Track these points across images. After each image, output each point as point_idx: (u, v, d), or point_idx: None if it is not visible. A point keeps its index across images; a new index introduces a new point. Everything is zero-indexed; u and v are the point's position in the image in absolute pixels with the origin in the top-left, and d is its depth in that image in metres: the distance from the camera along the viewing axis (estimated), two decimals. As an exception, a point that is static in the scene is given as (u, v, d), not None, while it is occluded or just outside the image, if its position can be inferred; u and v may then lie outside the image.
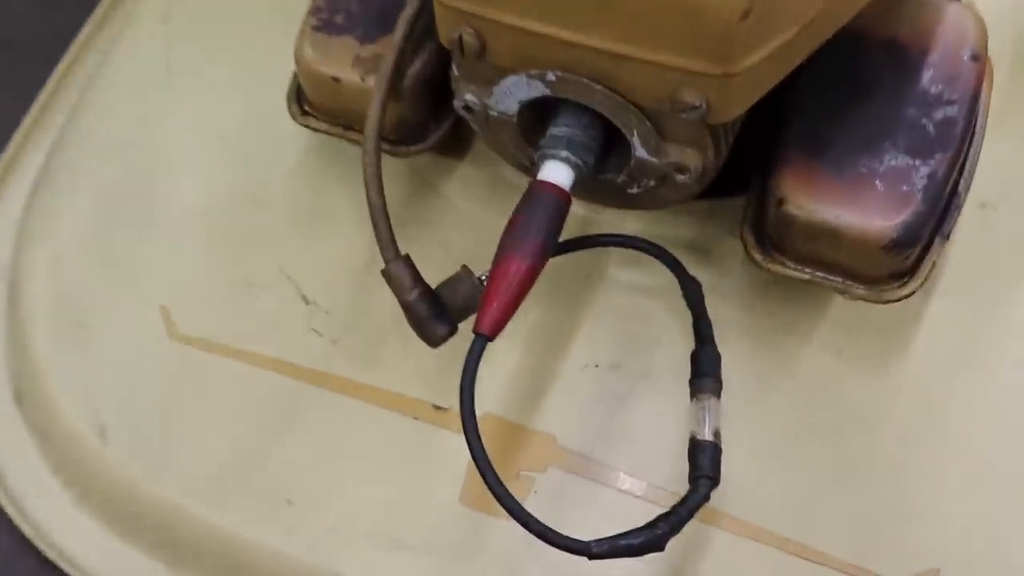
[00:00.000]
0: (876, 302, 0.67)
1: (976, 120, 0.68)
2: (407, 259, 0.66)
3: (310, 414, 0.75)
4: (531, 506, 0.59)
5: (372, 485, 0.73)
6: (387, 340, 0.75)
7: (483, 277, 0.64)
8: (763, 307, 0.74)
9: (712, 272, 0.73)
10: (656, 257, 0.70)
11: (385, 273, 0.66)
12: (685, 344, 0.70)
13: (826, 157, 0.65)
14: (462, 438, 0.59)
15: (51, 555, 0.77)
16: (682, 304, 0.71)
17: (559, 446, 0.72)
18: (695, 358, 0.68)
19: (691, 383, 0.67)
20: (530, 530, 0.59)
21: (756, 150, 0.68)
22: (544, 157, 0.63)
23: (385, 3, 0.73)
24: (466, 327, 0.62)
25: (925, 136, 0.65)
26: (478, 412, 0.59)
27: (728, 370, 0.68)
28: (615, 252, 0.75)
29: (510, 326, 0.61)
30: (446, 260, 0.67)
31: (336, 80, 0.72)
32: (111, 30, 0.93)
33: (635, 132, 0.63)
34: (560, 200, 0.62)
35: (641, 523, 0.61)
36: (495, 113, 0.66)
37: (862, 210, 0.64)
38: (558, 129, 0.64)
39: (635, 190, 0.68)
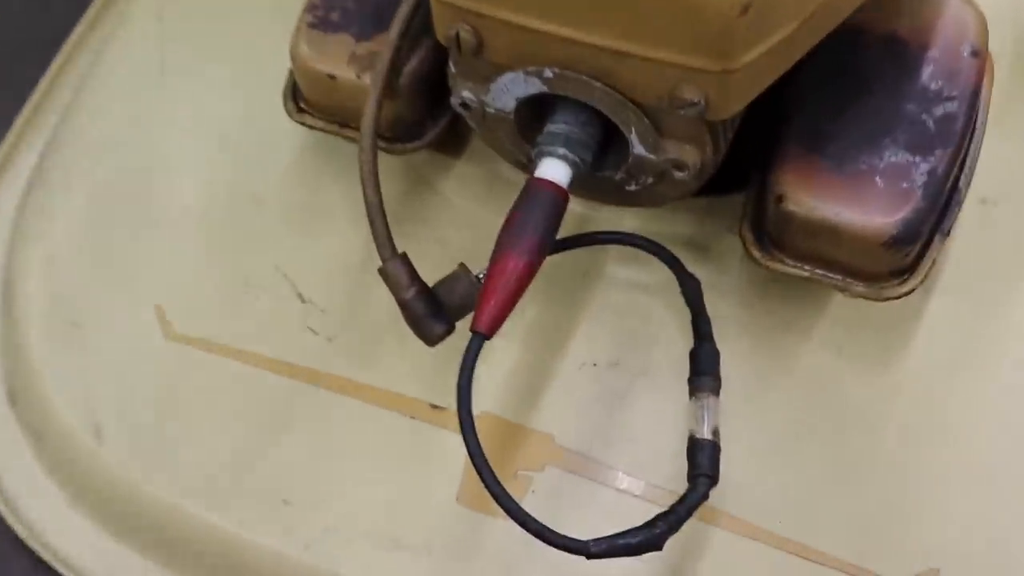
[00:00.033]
0: (876, 299, 0.67)
1: (976, 116, 0.68)
2: (404, 257, 0.65)
3: (306, 413, 0.75)
4: (529, 505, 0.59)
5: (369, 485, 0.73)
6: (384, 339, 0.75)
7: (480, 275, 0.63)
8: (762, 305, 0.74)
9: (711, 269, 0.73)
10: (654, 254, 0.70)
11: (382, 271, 0.65)
12: (684, 342, 0.69)
13: (826, 153, 0.65)
14: (460, 437, 0.58)
15: (45, 556, 0.77)
16: (681, 302, 0.70)
17: (557, 445, 0.72)
18: (694, 356, 0.68)
19: (690, 381, 0.67)
20: (528, 530, 0.59)
21: (755, 147, 0.68)
22: (541, 154, 0.63)
23: (381, 0, 0.72)
24: (463, 325, 0.62)
25: (925, 132, 0.65)
26: (476, 411, 0.59)
27: (727, 368, 0.67)
28: (613, 250, 0.75)
29: (508, 324, 0.60)
30: (443, 258, 0.67)
31: (332, 77, 0.72)
32: (104, 29, 0.93)
33: (633, 129, 0.63)
34: (557, 197, 0.62)
35: (640, 522, 0.61)
36: (492, 110, 0.66)
37: (862, 207, 0.64)
38: (555, 126, 0.64)
39: (633, 187, 0.68)
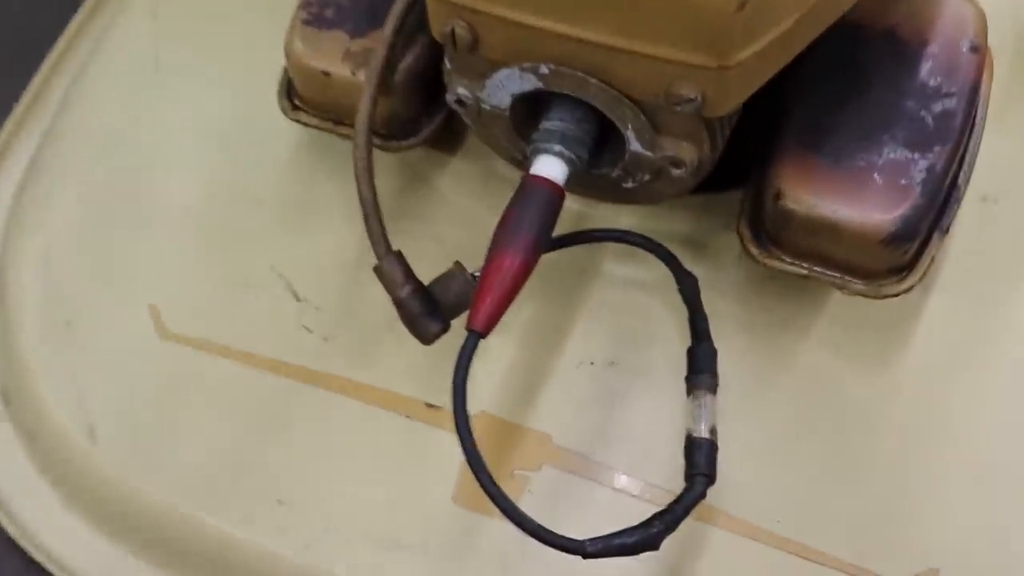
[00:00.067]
0: (874, 297, 0.67)
1: (976, 113, 0.68)
2: (399, 255, 0.65)
3: (301, 413, 0.74)
4: (526, 505, 0.59)
5: (365, 485, 0.73)
6: (379, 337, 0.74)
7: (476, 273, 0.63)
8: (760, 302, 0.73)
9: (708, 267, 0.73)
10: (651, 252, 0.70)
11: (377, 269, 0.65)
12: (681, 340, 0.69)
13: (824, 150, 0.65)
14: (456, 437, 0.58)
15: (38, 556, 0.76)
16: (678, 300, 0.70)
17: (554, 444, 0.71)
18: (691, 354, 0.68)
19: (687, 379, 0.67)
20: (524, 529, 0.59)
21: (753, 143, 0.68)
22: (537, 151, 0.63)
23: (375, -4, 0.73)
24: (459, 324, 0.61)
25: (924, 129, 0.65)
26: (472, 410, 0.59)
27: (725, 366, 0.67)
28: (610, 247, 0.74)
29: (504, 323, 0.60)
30: (439, 256, 0.66)
31: (326, 74, 0.72)
32: (99, 26, 0.92)
33: (629, 126, 0.63)
34: (553, 195, 0.62)
35: (637, 521, 0.61)
36: (488, 107, 0.66)
37: (860, 204, 0.64)
38: (551, 123, 0.64)
39: (630, 184, 0.67)
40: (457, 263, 0.65)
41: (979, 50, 0.66)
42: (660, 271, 0.70)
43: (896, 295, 0.67)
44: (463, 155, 0.79)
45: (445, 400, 0.59)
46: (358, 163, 0.67)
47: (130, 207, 0.82)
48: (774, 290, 0.73)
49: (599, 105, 0.62)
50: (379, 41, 0.69)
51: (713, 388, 0.66)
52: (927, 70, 0.66)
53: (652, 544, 0.61)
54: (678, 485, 0.63)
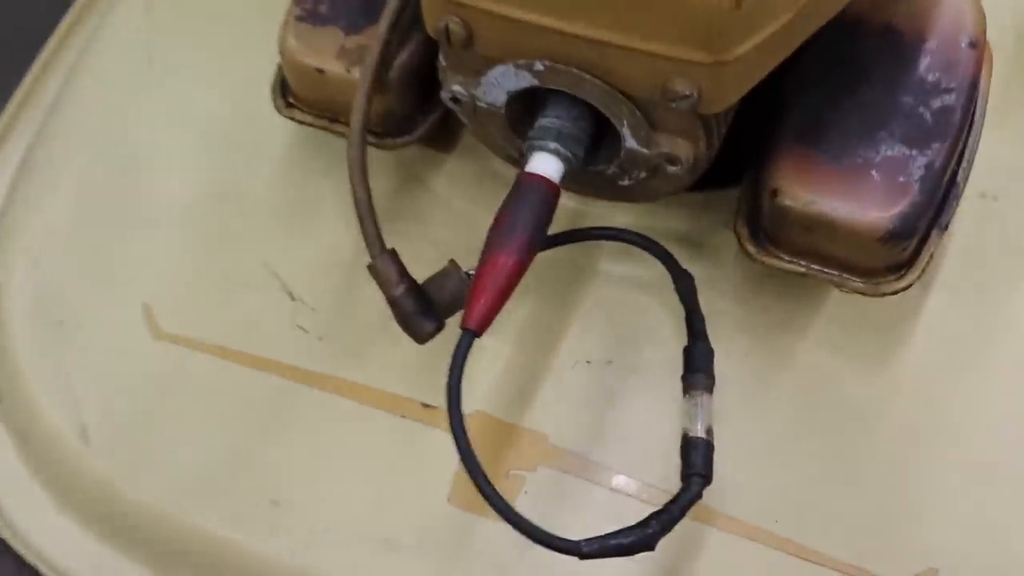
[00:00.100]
0: (873, 295, 0.67)
1: (975, 108, 0.68)
2: (393, 254, 0.65)
3: (296, 413, 0.74)
4: (522, 506, 0.59)
5: (359, 485, 0.72)
6: (374, 337, 0.74)
7: (471, 272, 0.63)
8: (757, 301, 0.73)
9: (705, 265, 0.72)
10: (647, 250, 0.70)
11: (371, 268, 0.65)
12: (678, 339, 0.69)
13: (821, 147, 0.65)
14: (451, 437, 0.58)
15: (30, 558, 0.76)
16: (676, 298, 0.70)
17: (550, 444, 0.71)
18: (687, 353, 0.68)
19: (683, 379, 0.67)
20: (519, 530, 0.58)
21: (750, 140, 0.67)
22: (532, 149, 0.63)
23: (370, -7, 0.72)
24: (454, 323, 0.61)
25: (922, 125, 0.65)
26: (467, 410, 0.59)
27: (722, 365, 0.67)
28: (606, 245, 0.74)
29: (500, 322, 0.60)
30: (433, 255, 0.66)
31: (321, 71, 0.71)
32: (91, 23, 0.92)
33: (625, 123, 0.62)
34: (549, 192, 0.62)
35: (634, 522, 0.61)
36: (483, 104, 0.66)
37: (858, 201, 0.63)
38: (546, 120, 0.63)
39: (626, 182, 0.67)
40: (452, 261, 0.65)
41: (978, 45, 0.66)
42: (656, 270, 0.70)
43: (895, 293, 0.67)
44: (458, 153, 0.78)
45: (440, 400, 0.59)
46: (352, 161, 0.66)
47: (123, 206, 0.82)
48: (772, 288, 0.73)
49: (595, 102, 0.62)
50: (374, 38, 0.68)
51: (709, 388, 0.66)
52: (926, 66, 0.66)
53: (648, 545, 0.60)
54: (675, 485, 0.63)
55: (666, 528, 0.61)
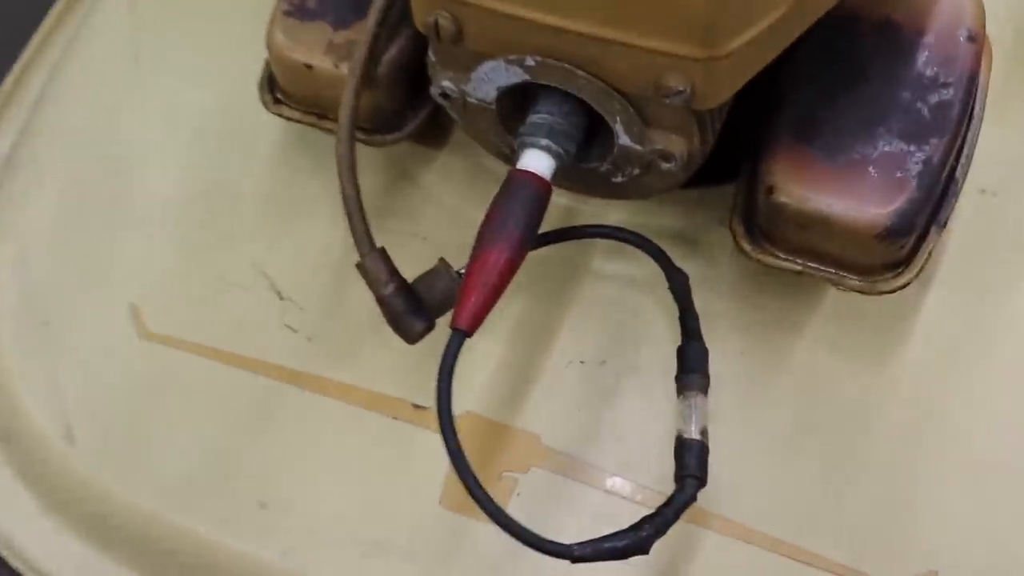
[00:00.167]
0: (870, 293, 0.67)
1: (974, 103, 0.67)
2: (383, 252, 0.65)
3: (285, 414, 0.74)
4: (514, 508, 0.60)
5: (349, 487, 0.72)
6: (365, 337, 0.74)
7: (461, 271, 0.62)
8: (753, 299, 0.73)
9: (700, 263, 0.72)
10: (640, 248, 0.69)
11: (360, 267, 0.65)
12: (673, 338, 0.69)
13: (817, 143, 0.64)
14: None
15: (13, 561, 0.75)
16: (670, 297, 0.70)
17: (542, 445, 0.71)
18: (681, 353, 0.67)
19: (677, 379, 0.67)
20: (510, 533, 0.58)
21: (745, 136, 0.67)
22: (524, 145, 0.62)
23: (358, -14, 0.72)
24: (445, 322, 0.60)
25: (920, 120, 0.64)
26: (458, 411, 0.58)
27: (717, 365, 0.67)
28: (600, 243, 0.74)
29: (491, 321, 0.59)
30: (424, 253, 0.66)
31: (308, 67, 0.71)
32: (76, 19, 0.91)
33: (618, 119, 0.62)
34: (540, 190, 0.61)
35: (628, 524, 0.60)
36: (473, 100, 0.65)
37: (855, 198, 0.63)
38: (538, 116, 0.63)
39: (619, 179, 0.67)
40: (442, 260, 0.64)
41: (977, 39, 0.66)
42: (651, 268, 0.70)
43: (892, 291, 0.66)
44: (449, 150, 0.78)
45: (431, 400, 0.58)
46: (341, 158, 0.66)
47: (109, 204, 0.81)
48: (768, 287, 0.72)
49: (587, 98, 0.61)
50: (362, 33, 0.68)
51: (704, 388, 0.66)
52: (923, 60, 0.65)
53: (642, 548, 0.60)
54: (670, 486, 0.63)
55: (660, 531, 0.60)
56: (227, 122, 0.81)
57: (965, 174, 0.68)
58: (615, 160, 0.65)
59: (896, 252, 0.65)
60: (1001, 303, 0.73)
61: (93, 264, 0.80)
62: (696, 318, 0.68)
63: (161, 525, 0.72)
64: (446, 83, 0.65)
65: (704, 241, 0.74)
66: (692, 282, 0.69)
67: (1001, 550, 0.68)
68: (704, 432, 0.64)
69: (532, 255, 0.61)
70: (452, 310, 0.60)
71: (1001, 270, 0.73)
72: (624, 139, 0.63)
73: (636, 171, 0.65)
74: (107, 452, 0.75)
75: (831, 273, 0.66)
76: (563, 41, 0.59)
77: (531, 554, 0.58)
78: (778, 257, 0.67)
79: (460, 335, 0.58)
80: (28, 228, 0.82)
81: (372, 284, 0.64)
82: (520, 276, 0.60)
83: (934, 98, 0.64)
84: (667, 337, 0.70)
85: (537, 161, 0.61)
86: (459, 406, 0.58)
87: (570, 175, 0.65)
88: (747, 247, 0.67)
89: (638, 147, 0.63)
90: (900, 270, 0.66)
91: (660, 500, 0.62)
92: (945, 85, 0.65)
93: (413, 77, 0.71)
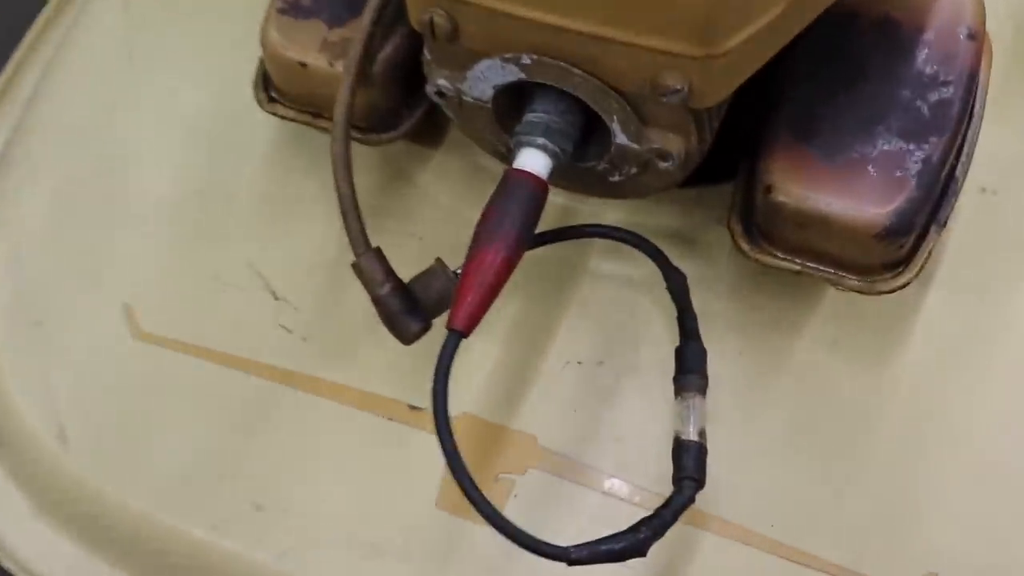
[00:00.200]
0: (869, 293, 0.66)
1: (974, 102, 0.67)
2: (378, 252, 0.64)
3: (280, 415, 0.74)
4: (511, 510, 0.60)
5: (345, 489, 0.72)
6: (360, 337, 0.73)
7: (458, 270, 0.62)
8: (752, 300, 0.73)
9: (698, 263, 0.72)
10: (638, 248, 0.69)
11: (355, 267, 0.64)
12: (671, 338, 0.68)
13: (816, 142, 0.64)
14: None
15: (5, 562, 0.75)
16: (668, 297, 0.69)
17: (539, 447, 0.70)
18: (679, 354, 0.67)
19: (675, 380, 0.66)
20: (506, 536, 0.58)
21: (744, 135, 0.67)
22: (520, 144, 0.62)
23: (353, -16, 0.72)
24: (441, 323, 0.60)
25: (920, 119, 0.64)
26: (455, 412, 0.58)
27: (715, 366, 0.66)
28: (597, 243, 0.73)
29: (488, 322, 0.59)
30: (420, 253, 0.66)
31: (303, 65, 0.71)
32: (70, 17, 0.91)
33: (615, 117, 0.62)
34: (536, 189, 0.61)
35: (626, 526, 0.60)
36: (469, 99, 0.65)
37: (854, 197, 0.63)
38: (534, 115, 0.63)
39: (616, 178, 0.66)
40: (438, 260, 0.64)
41: (977, 37, 0.66)
42: (648, 268, 0.69)
43: (891, 291, 0.66)
44: (445, 149, 0.78)
45: (427, 401, 0.58)
46: (336, 156, 0.66)
47: (103, 204, 0.81)
48: (766, 287, 0.72)
49: (583, 96, 0.61)
50: (357, 31, 0.68)
51: (702, 389, 0.65)
52: (923, 58, 0.65)
53: (639, 550, 0.60)
54: (669, 487, 0.63)
55: (658, 533, 0.60)
56: (221, 121, 0.81)
57: (965, 173, 0.67)
58: (612, 159, 0.65)
59: (895, 252, 0.65)
60: (1001, 303, 0.73)
61: (86, 263, 0.79)
62: (694, 318, 0.68)
63: (154, 526, 0.72)
64: (442, 81, 0.65)
65: (702, 241, 0.73)
66: (690, 282, 0.69)
67: (1001, 550, 0.67)
68: (702, 433, 0.63)
69: (529, 255, 0.61)
70: (448, 310, 0.59)
71: (1001, 270, 0.73)
72: (621, 138, 0.63)
73: (633, 170, 0.65)
74: (100, 452, 0.74)
75: (830, 273, 0.66)
76: (559, 39, 0.58)
77: (528, 556, 0.58)
78: (777, 257, 0.67)
79: (456, 335, 0.58)
80: (21, 226, 0.81)
81: (368, 284, 0.64)
82: (517, 276, 0.60)
83: (934, 96, 0.64)
84: (665, 337, 0.70)
85: (534, 160, 0.61)
86: (455, 407, 0.58)
87: (567, 174, 0.65)
88: (745, 247, 0.67)
89: (635, 146, 0.63)
90: (900, 270, 0.66)
91: (658, 501, 0.62)
92: (945, 83, 0.65)
93: (408, 75, 0.71)
